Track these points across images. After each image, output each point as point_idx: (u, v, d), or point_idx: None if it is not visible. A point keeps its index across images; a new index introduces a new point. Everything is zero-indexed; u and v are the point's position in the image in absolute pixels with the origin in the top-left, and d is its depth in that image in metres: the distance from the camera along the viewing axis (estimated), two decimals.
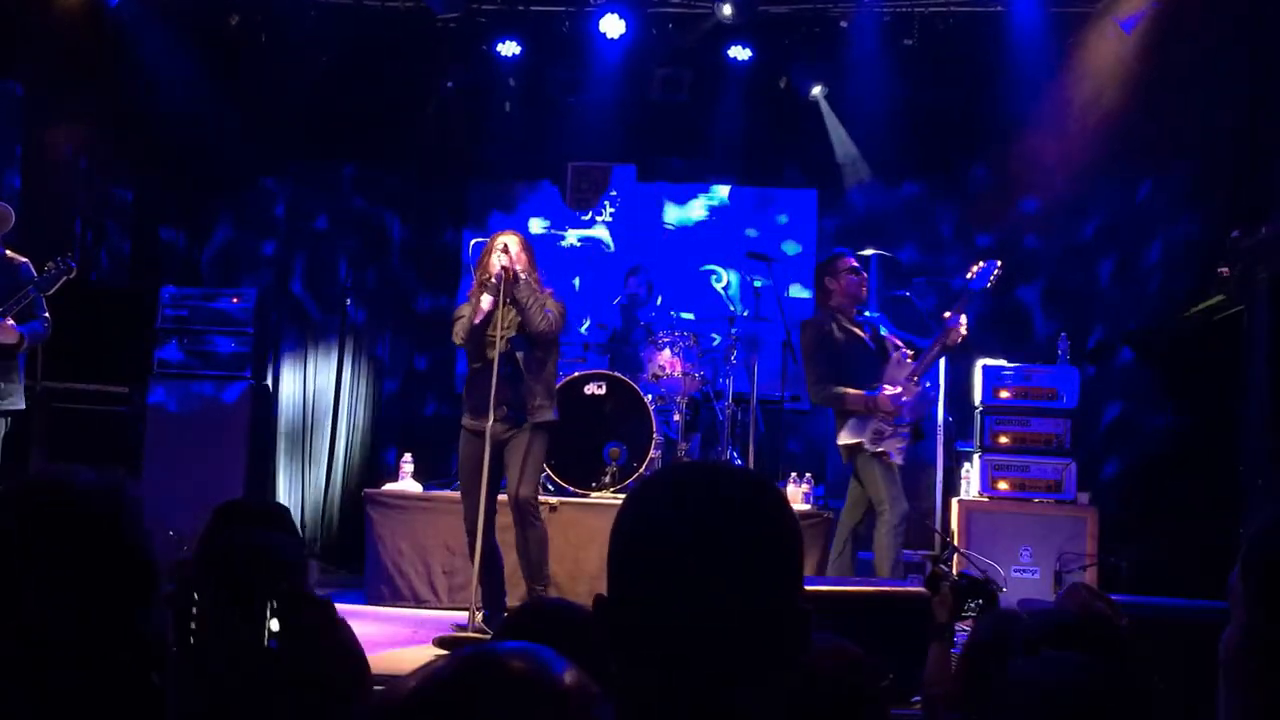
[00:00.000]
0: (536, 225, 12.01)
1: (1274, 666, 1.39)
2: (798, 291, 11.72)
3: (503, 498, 7.32)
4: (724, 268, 11.88)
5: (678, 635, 1.52)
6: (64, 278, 7.60)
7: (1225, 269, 8.27)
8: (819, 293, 8.13)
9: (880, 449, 7.69)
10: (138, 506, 1.51)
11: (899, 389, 7.66)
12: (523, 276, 7.22)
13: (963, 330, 7.74)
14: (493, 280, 7.15)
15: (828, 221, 12.00)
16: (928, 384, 7.90)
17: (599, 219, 12.15)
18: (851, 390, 7.70)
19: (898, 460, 7.77)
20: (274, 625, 1.82)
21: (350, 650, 2.20)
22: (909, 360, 7.77)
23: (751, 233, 11.98)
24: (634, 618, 1.56)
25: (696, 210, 12.18)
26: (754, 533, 1.54)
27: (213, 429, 9.52)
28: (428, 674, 1.14)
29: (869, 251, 10.11)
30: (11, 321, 7.37)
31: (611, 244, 12.10)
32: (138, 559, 1.40)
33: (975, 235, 11.62)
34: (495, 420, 7.06)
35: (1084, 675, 2.14)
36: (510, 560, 7.46)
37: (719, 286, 11.70)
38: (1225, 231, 8.45)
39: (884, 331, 8.00)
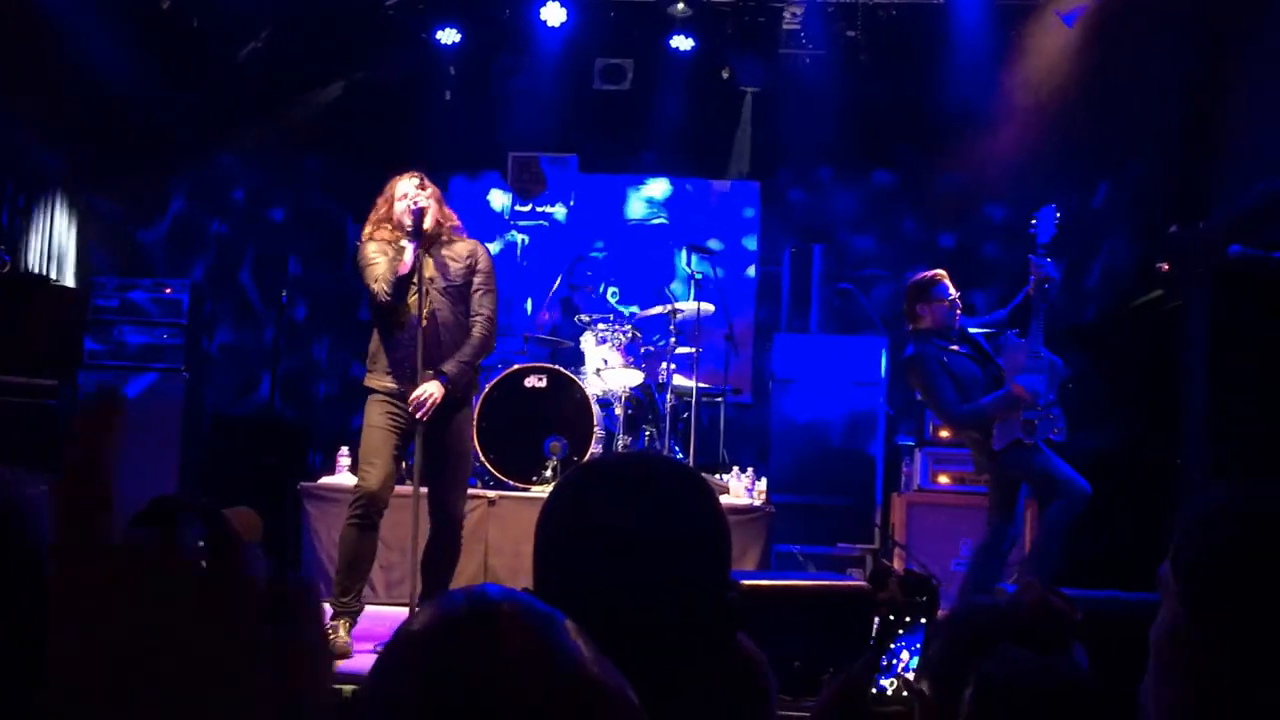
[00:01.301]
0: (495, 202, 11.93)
1: (1200, 663, 1.36)
2: (740, 281, 11.70)
3: (404, 489, 6.88)
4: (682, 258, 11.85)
5: (605, 625, 1.48)
6: None
7: (1164, 264, 8.31)
8: (909, 315, 7.58)
9: (1033, 440, 7.45)
10: (30, 506, 1.39)
11: (1025, 374, 7.23)
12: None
13: (1051, 274, 7.27)
14: (409, 225, 6.25)
15: (770, 212, 11.99)
16: (1046, 355, 7.36)
17: (540, 210, 12.07)
18: (986, 400, 7.27)
19: (1060, 439, 7.50)
20: None
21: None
22: (1019, 339, 7.33)
23: (691, 224, 11.95)
24: (561, 608, 1.51)
25: (638, 201, 12.14)
26: (682, 523, 1.53)
27: (144, 422, 9.37)
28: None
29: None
30: None
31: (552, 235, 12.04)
32: (26, 561, 1.28)
33: (919, 228, 11.65)
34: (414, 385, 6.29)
35: (1058, 676, 2.12)
36: (404, 561, 7.05)
37: (677, 283, 11.66)
38: (1165, 225, 8.49)
39: (973, 332, 7.64)
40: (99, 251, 10.88)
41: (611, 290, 10.76)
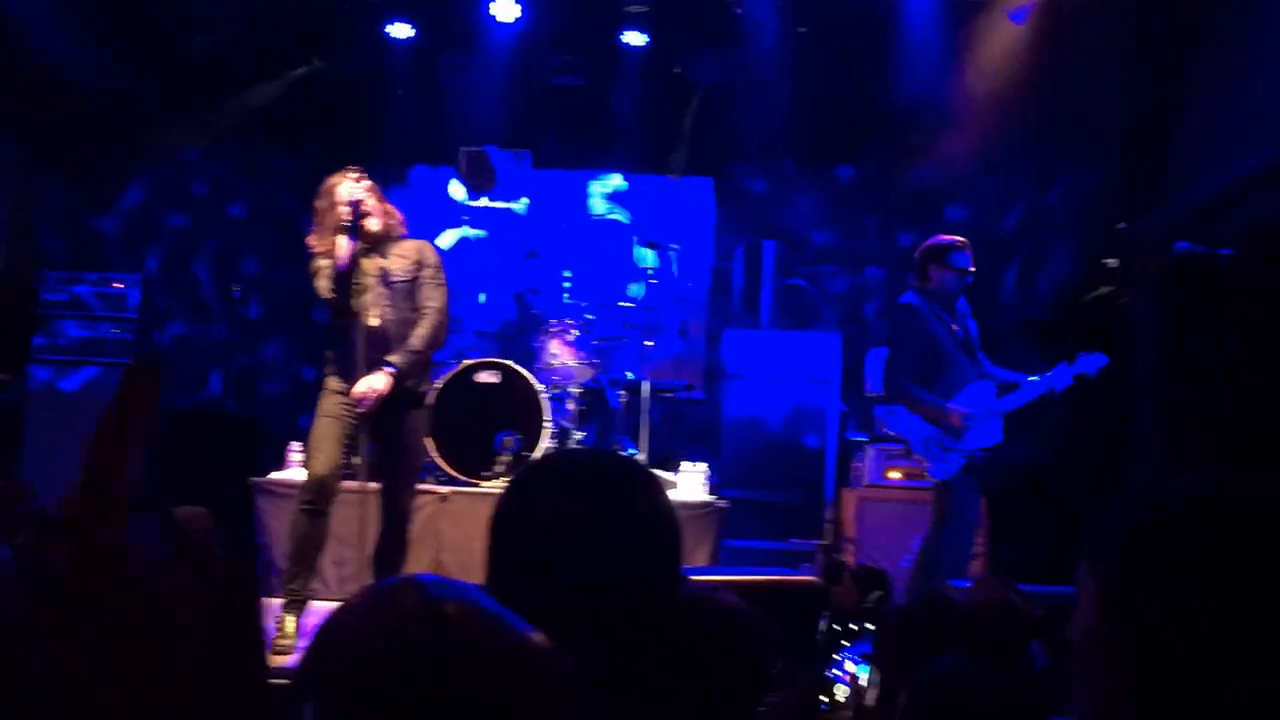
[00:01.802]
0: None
1: (1114, 661, 1.38)
2: (693, 277, 11.71)
3: (352, 485, 6.78)
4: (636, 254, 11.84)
5: (557, 621, 1.49)
6: None
7: (1112, 260, 8.38)
8: (919, 273, 7.44)
9: (924, 463, 7.41)
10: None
11: (968, 411, 7.17)
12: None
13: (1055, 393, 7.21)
14: (347, 218, 6.18)
15: (724, 208, 12.01)
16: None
17: (493, 206, 12.05)
18: (927, 398, 7.22)
19: (937, 476, 7.41)
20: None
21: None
22: (993, 392, 7.25)
23: (646, 220, 11.95)
24: (512, 604, 1.52)
25: (592, 197, 12.12)
26: (632, 521, 1.54)
27: (95, 416, 9.30)
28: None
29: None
30: None
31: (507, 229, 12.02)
32: None
33: (874, 225, 11.70)
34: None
35: (992, 681, 2.15)
36: (357, 557, 6.94)
37: (632, 282, 11.65)
38: (1114, 222, 8.56)
39: (973, 328, 7.53)
40: (51, 238, 10.79)
41: (565, 285, 10.75)
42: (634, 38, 11.11)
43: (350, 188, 6.27)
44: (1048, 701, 2.27)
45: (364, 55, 11.34)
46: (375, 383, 6.23)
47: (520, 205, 11.90)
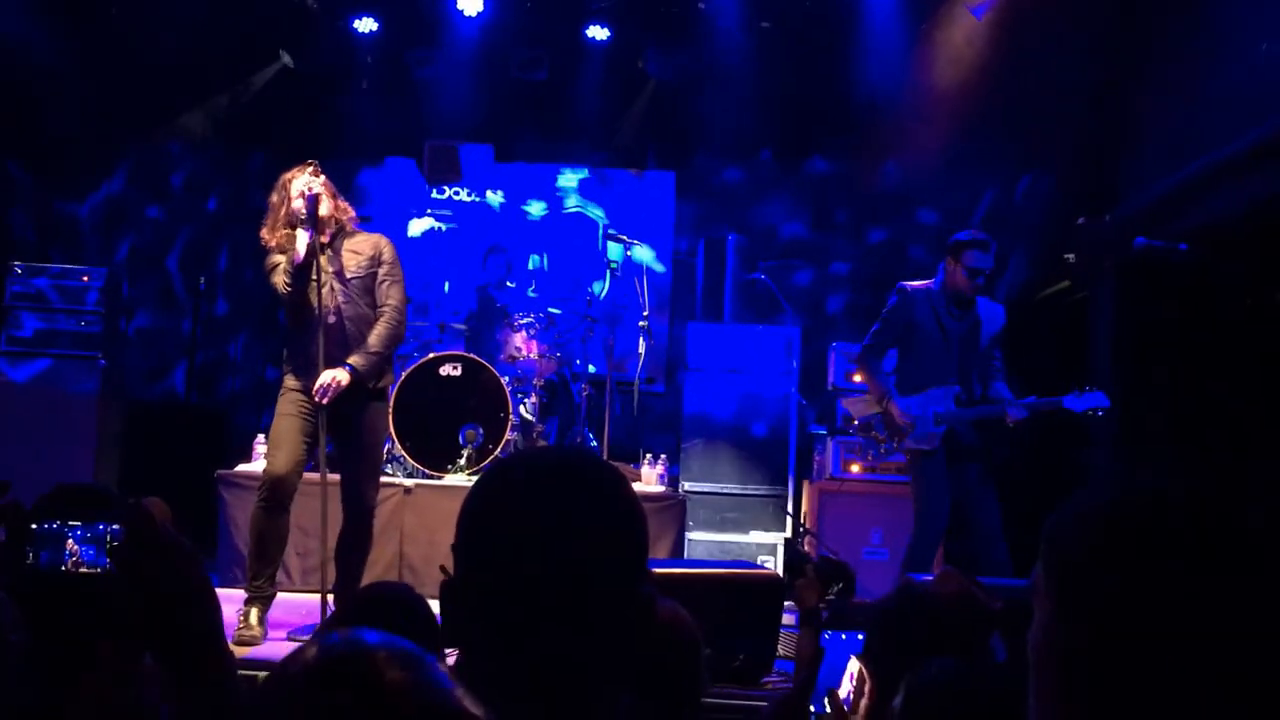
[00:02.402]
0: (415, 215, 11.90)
1: (1069, 665, 1.39)
2: (654, 270, 11.75)
3: (314, 477, 6.62)
4: (598, 248, 11.86)
5: (523, 617, 1.54)
6: None
7: (1071, 255, 8.44)
8: (944, 263, 7.33)
9: (865, 440, 7.41)
10: None
11: (910, 419, 7.14)
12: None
13: (1018, 420, 7.01)
14: (303, 213, 6.18)
15: (685, 203, 12.04)
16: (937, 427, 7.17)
17: (456, 199, 12.07)
18: (880, 379, 7.29)
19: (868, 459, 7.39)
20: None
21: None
22: (951, 400, 7.15)
23: (602, 213, 11.99)
24: (481, 599, 1.57)
25: (554, 190, 12.15)
26: (600, 518, 1.57)
27: (61, 409, 9.30)
28: (295, 668, 1.12)
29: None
30: None
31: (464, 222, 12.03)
32: None
33: (835, 218, 11.76)
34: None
35: (983, 684, 2.19)
36: (320, 550, 6.81)
37: (596, 280, 11.67)
38: (1072, 218, 8.62)
39: (985, 333, 7.29)
40: (20, 223, 10.76)
41: (529, 279, 10.78)
42: (597, 32, 11.14)
43: (306, 180, 6.27)
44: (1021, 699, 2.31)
45: (329, 50, 11.32)
46: (335, 375, 6.24)
47: (478, 199, 11.92)
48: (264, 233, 6.39)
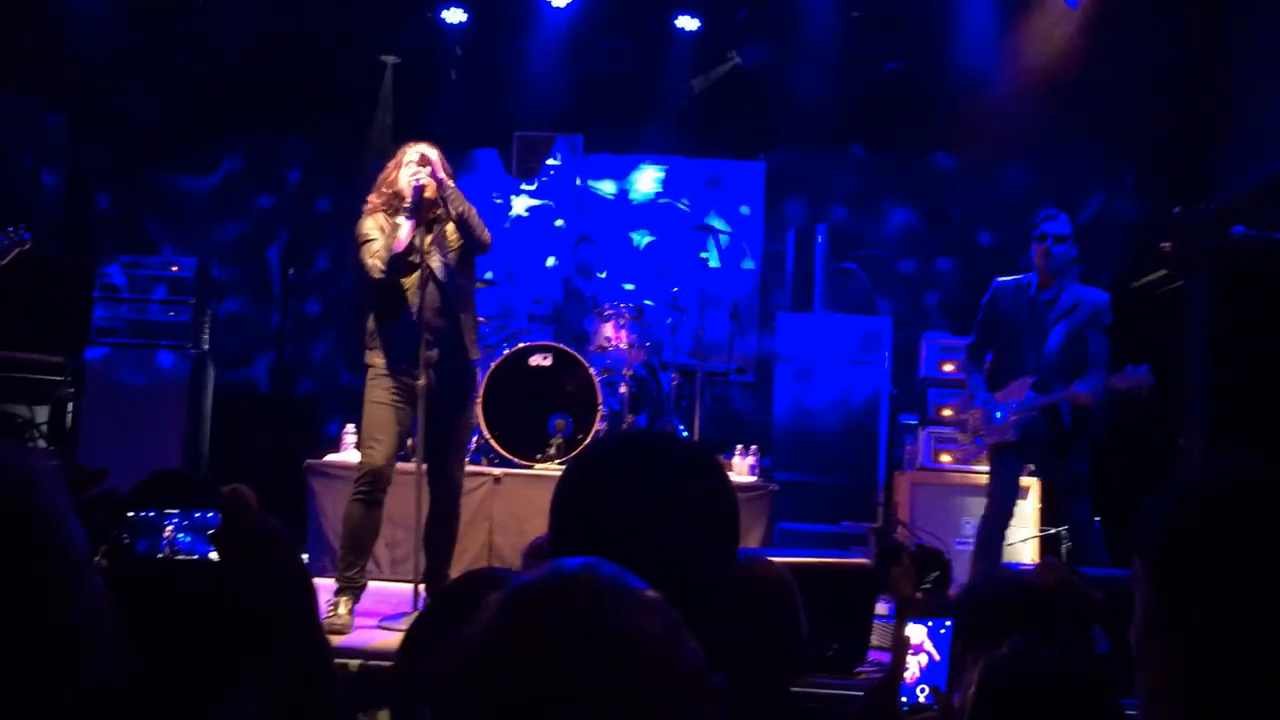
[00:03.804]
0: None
1: (1169, 642, 1.38)
2: (744, 260, 11.72)
3: (408, 466, 6.77)
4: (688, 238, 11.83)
5: None
6: (17, 249, 7.33)
7: (1167, 244, 8.30)
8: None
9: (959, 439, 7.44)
10: (49, 482, 1.39)
11: (989, 411, 7.08)
12: (449, 184, 6.32)
13: (1089, 398, 6.90)
14: (409, 200, 6.20)
15: (774, 193, 11.98)
16: (1000, 414, 7.07)
17: (544, 190, 12.09)
18: (971, 377, 7.29)
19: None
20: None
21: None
22: (1029, 388, 7.03)
23: (689, 204, 11.96)
24: None
25: (642, 181, 12.14)
26: (691, 499, 1.56)
27: (151, 398, 9.46)
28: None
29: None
30: None
31: (561, 215, 12.05)
32: (44, 542, 1.29)
33: (926, 208, 11.65)
34: (424, 365, 6.18)
35: (1060, 666, 2.16)
36: (409, 539, 6.98)
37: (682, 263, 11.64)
38: (1169, 206, 8.48)
39: (1079, 319, 7.10)
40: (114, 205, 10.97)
41: (619, 269, 10.79)
42: (686, 22, 11.11)
43: (417, 170, 6.26)
44: (1113, 685, 2.28)
45: (418, 41, 11.39)
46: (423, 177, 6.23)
47: (567, 190, 11.93)
48: (371, 197, 6.40)
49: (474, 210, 6.36)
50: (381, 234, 6.24)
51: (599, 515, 1.55)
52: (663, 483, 1.56)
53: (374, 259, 6.21)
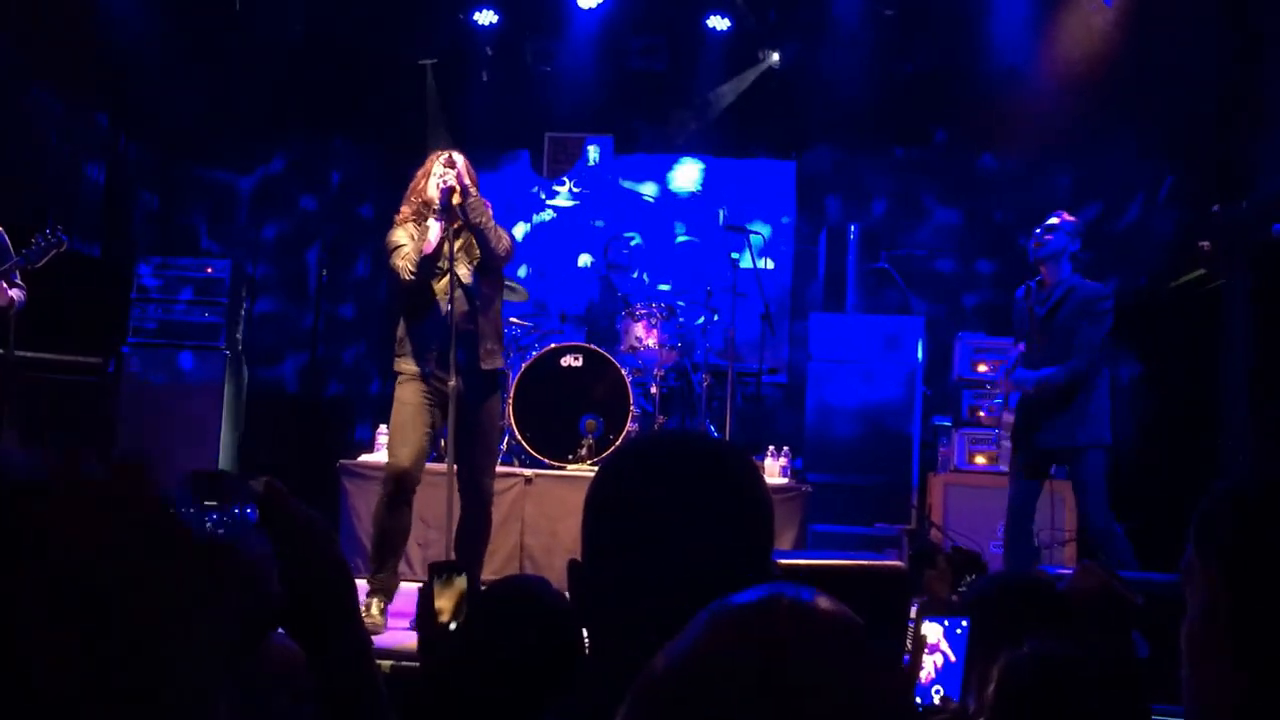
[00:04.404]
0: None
1: (1228, 640, 1.35)
2: (776, 260, 11.68)
3: (439, 467, 6.82)
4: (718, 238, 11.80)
5: (652, 601, 1.51)
6: (54, 250, 7.42)
7: (1206, 243, 8.24)
8: None
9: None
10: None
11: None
12: (473, 192, 6.29)
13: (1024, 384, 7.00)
14: (437, 203, 6.22)
15: (807, 191, 11.94)
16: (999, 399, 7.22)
17: (576, 190, 12.08)
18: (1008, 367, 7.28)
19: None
20: None
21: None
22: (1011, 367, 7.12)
23: (721, 203, 11.93)
24: (608, 584, 1.57)
25: (673, 181, 12.12)
26: (725, 499, 1.55)
27: (187, 398, 9.51)
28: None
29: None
30: (2, 285, 7.25)
31: (590, 214, 12.04)
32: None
33: (958, 208, 11.59)
34: (452, 368, 6.20)
35: (1082, 664, 2.11)
36: (442, 539, 6.96)
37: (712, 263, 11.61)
38: (1206, 206, 8.42)
39: (1070, 307, 7.06)
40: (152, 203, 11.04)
41: (650, 270, 10.76)
42: (717, 21, 11.09)
43: (444, 173, 6.27)
44: (1150, 690, 2.24)
45: (448, 42, 11.41)
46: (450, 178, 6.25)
47: (597, 189, 11.91)
48: (402, 208, 6.44)
49: (493, 221, 6.40)
50: (411, 241, 6.28)
51: (632, 517, 1.54)
52: (696, 483, 1.55)
53: (404, 260, 6.24)
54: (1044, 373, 6.86)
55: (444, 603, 3.13)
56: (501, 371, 6.78)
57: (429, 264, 6.23)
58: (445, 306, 6.24)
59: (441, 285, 6.28)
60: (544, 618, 2.67)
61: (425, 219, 6.29)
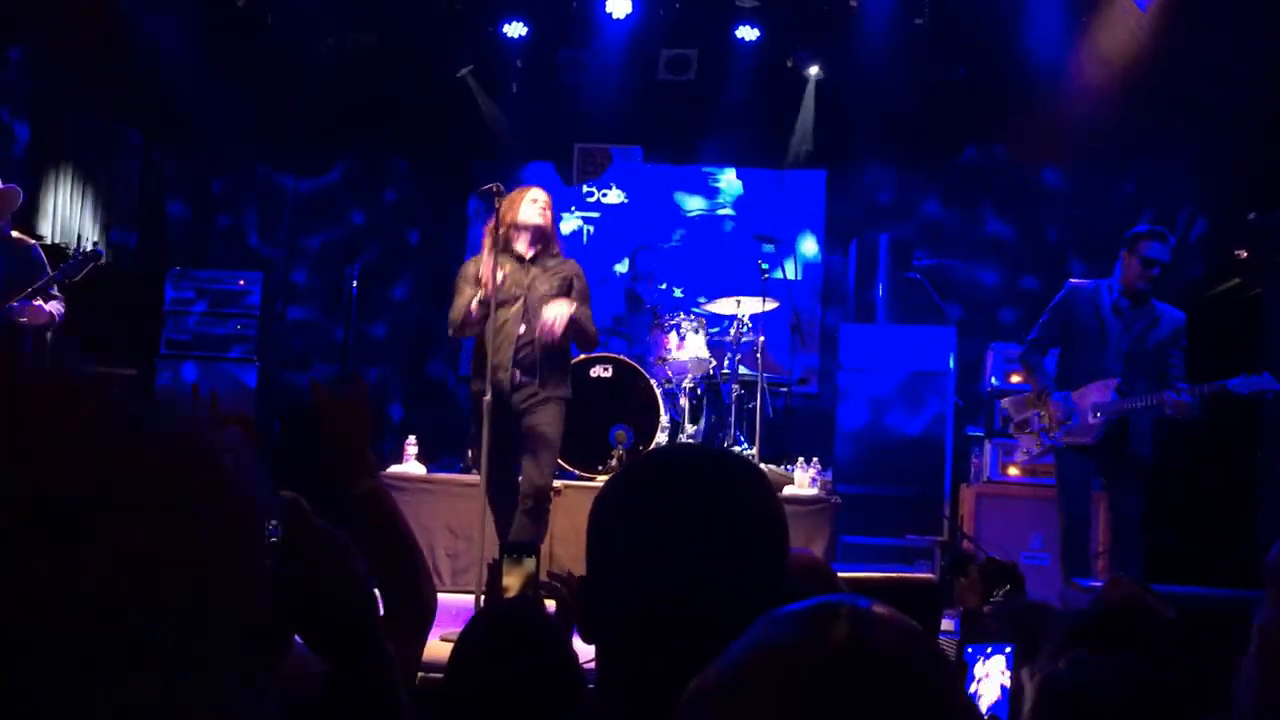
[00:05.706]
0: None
1: None
2: (806, 271, 11.64)
3: (470, 479, 7.02)
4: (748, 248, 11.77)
5: (658, 616, 1.51)
6: (90, 264, 7.52)
7: (1243, 251, 8.17)
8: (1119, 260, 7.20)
9: (1021, 440, 7.46)
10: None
11: (1069, 408, 7.05)
12: (580, 309, 6.69)
13: (1181, 405, 6.72)
14: (529, 230, 6.62)
15: (836, 202, 11.90)
16: (1097, 416, 6.99)
17: (604, 200, 12.07)
18: (1039, 375, 7.28)
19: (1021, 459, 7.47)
20: None
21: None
22: (1112, 391, 6.96)
23: (751, 213, 11.90)
24: (614, 599, 1.55)
25: (702, 191, 12.09)
26: (735, 514, 1.52)
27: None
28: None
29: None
30: (40, 301, 7.30)
31: (618, 224, 12.02)
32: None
33: (988, 217, 11.54)
34: (512, 386, 6.55)
35: (1120, 679, 2.07)
36: (470, 550, 7.02)
37: (742, 273, 11.58)
38: (1242, 214, 8.34)
39: (1158, 334, 7.07)
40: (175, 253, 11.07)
41: (679, 280, 10.73)
42: (746, 32, 11.05)
43: (544, 210, 6.67)
44: (1183, 704, 2.20)
45: (478, 54, 11.41)
46: (559, 311, 6.53)
47: (626, 200, 11.88)
48: (486, 241, 6.71)
49: (589, 314, 6.80)
50: (475, 284, 6.61)
51: (641, 533, 1.52)
52: (704, 498, 1.52)
53: (453, 314, 6.69)
54: (1179, 397, 6.69)
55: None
56: (568, 399, 6.90)
57: (468, 329, 6.65)
58: (513, 331, 6.59)
59: (513, 311, 6.59)
60: (537, 641, 2.65)
61: (506, 246, 6.62)
